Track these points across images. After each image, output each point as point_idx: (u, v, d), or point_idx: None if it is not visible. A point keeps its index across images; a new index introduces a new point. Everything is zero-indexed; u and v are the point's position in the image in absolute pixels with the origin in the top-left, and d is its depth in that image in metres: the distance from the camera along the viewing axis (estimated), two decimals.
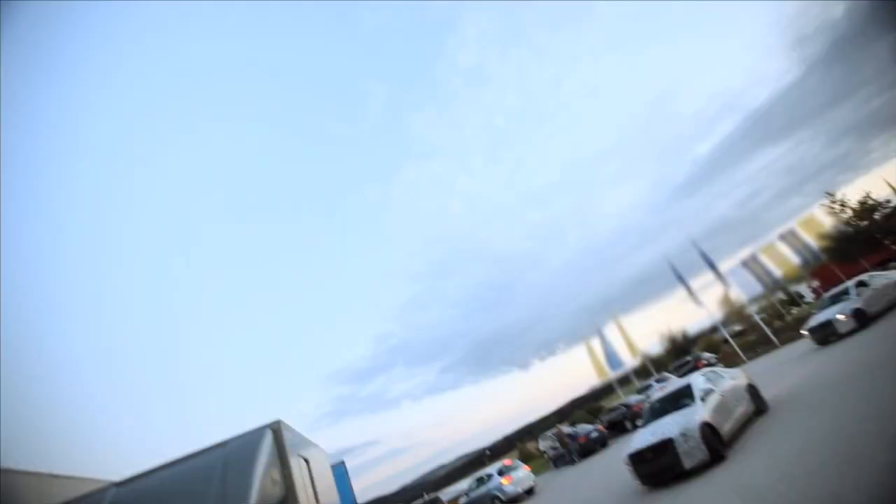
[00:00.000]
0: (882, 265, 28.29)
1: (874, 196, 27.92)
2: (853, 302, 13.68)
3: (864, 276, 14.97)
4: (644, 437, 7.77)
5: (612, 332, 27.06)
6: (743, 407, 8.37)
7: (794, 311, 34.43)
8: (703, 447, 6.93)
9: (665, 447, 7.20)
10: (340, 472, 12.39)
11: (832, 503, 3.99)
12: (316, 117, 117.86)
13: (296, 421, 6.77)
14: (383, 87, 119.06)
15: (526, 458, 34.02)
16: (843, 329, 13.32)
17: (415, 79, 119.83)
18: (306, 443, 6.42)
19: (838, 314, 13.57)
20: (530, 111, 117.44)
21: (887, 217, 27.48)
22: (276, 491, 4.43)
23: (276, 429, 4.75)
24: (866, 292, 13.87)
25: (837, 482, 4.25)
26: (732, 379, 8.85)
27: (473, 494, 17.27)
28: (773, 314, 31.72)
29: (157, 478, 4.62)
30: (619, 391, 28.16)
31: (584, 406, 35.74)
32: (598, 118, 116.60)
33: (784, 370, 13.02)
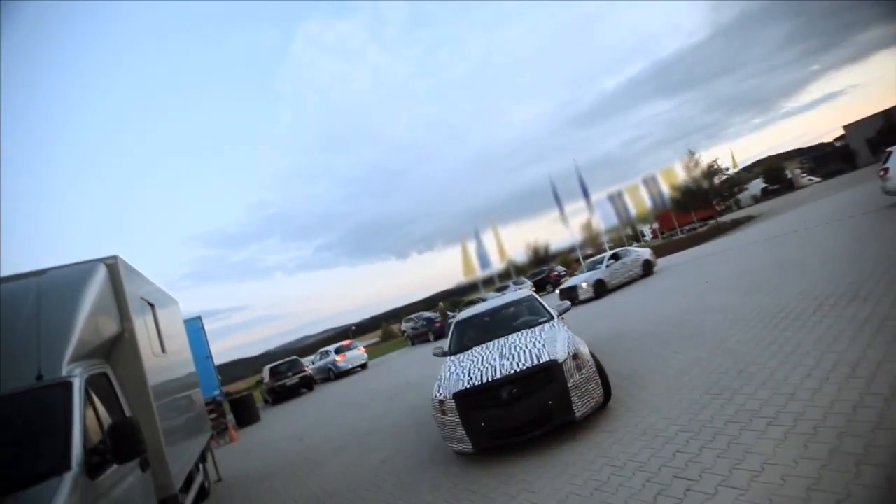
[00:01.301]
0: (704, 221, 34.61)
1: (720, 163, 32.99)
2: (600, 273, 14.77)
3: (619, 250, 16.50)
4: (479, 366, 4.56)
5: (487, 238, 29.38)
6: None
7: (634, 244, 41.00)
8: (600, 381, 4.31)
9: (545, 377, 4.14)
10: (196, 327, 11.97)
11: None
12: None
13: (151, 276, 6.13)
14: None
15: (388, 337, 37.17)
16: (583, 296, 14.46)
17: None
18: (153, 288, 5.90)
19: (583, 282, 14.67)
20: None
21: (722, 182, 32.93)
22: (110, 330, 4.05)
23: (113, 264, 4.18)
24: (615, 265, 15.06)
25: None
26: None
27: (317, 364, 20.69)
28: (617, 244, 37.38)
29: None
30: (482, 289, 31.44)
31: (449, 298, 39.46)
32: (522, 22, 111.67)
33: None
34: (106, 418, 3.51)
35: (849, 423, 2.82)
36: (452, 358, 5.38)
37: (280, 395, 17.69)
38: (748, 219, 27.09)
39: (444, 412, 4.48)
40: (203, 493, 6.63)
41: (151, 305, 5.40)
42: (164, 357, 5.37)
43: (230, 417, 13.92)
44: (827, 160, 53.10)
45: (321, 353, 21.56)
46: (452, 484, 4.08)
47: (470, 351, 5.27)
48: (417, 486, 4.34)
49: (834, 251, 8.41)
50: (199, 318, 12.38)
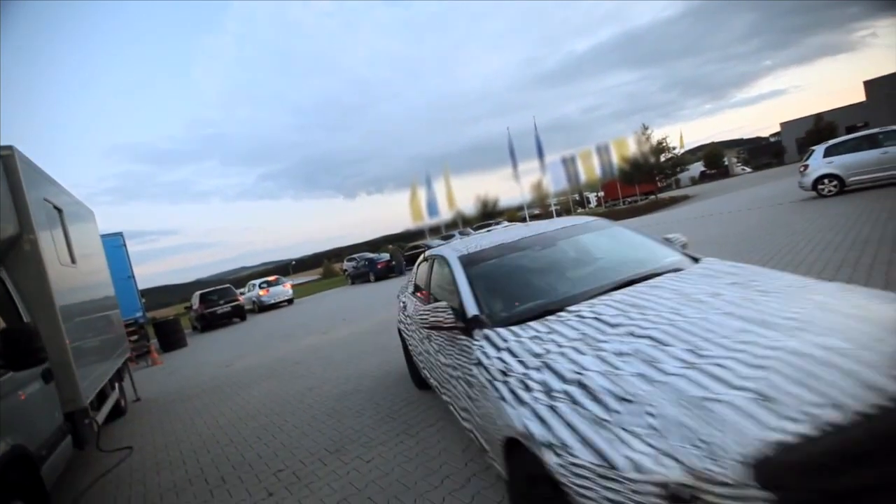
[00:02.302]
0: (646, 195, 36.46)
1: (668, 142, 34.43)
2: None
3: (507, 225, 18.22)
4: (783, 358, 1.33)
5: (439, 185, 29.19)
6: None
7: (580, 210, 42.66)
8: None
9: None
10: (116, 244, 11.07)
11: None
12: None
13: (65, 185, 5.50)
14: None
15: (329, 274, 36.86)
16: None
17: None
18: (62, 192, 5.31)
19: None
20: None
21: (667, 160, 34.54)
22: (4, 230, 3.62)
23: (7, 156, 3.66)
24: None
25: None
26: None
27: (246, 295, 21.62)
28: (564, 208, 38.69)
29: None
30: (428, 236, 31.60)
31: (394, 243, 39.41)
32: None
33: None
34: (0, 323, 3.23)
35: None
36: (533, 335, 2.04)
37: (209, 322, 17.21)
38: (684, 198, 28.91)
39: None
40: (119, 410, 6.45)
41: (59, 210, 4.88)
42: (73, 268, 4.95)
43: (154, 341, 13.40)
44: (760, 153, 57.30)
45: (249, 285, 22.46)
46: (375, 411, 4.25)
47: (580, 317, 2.05)
48: (342, 412, 4.48)
49: (748, 233, 9.24)
50: (119, 235, 11.44)
